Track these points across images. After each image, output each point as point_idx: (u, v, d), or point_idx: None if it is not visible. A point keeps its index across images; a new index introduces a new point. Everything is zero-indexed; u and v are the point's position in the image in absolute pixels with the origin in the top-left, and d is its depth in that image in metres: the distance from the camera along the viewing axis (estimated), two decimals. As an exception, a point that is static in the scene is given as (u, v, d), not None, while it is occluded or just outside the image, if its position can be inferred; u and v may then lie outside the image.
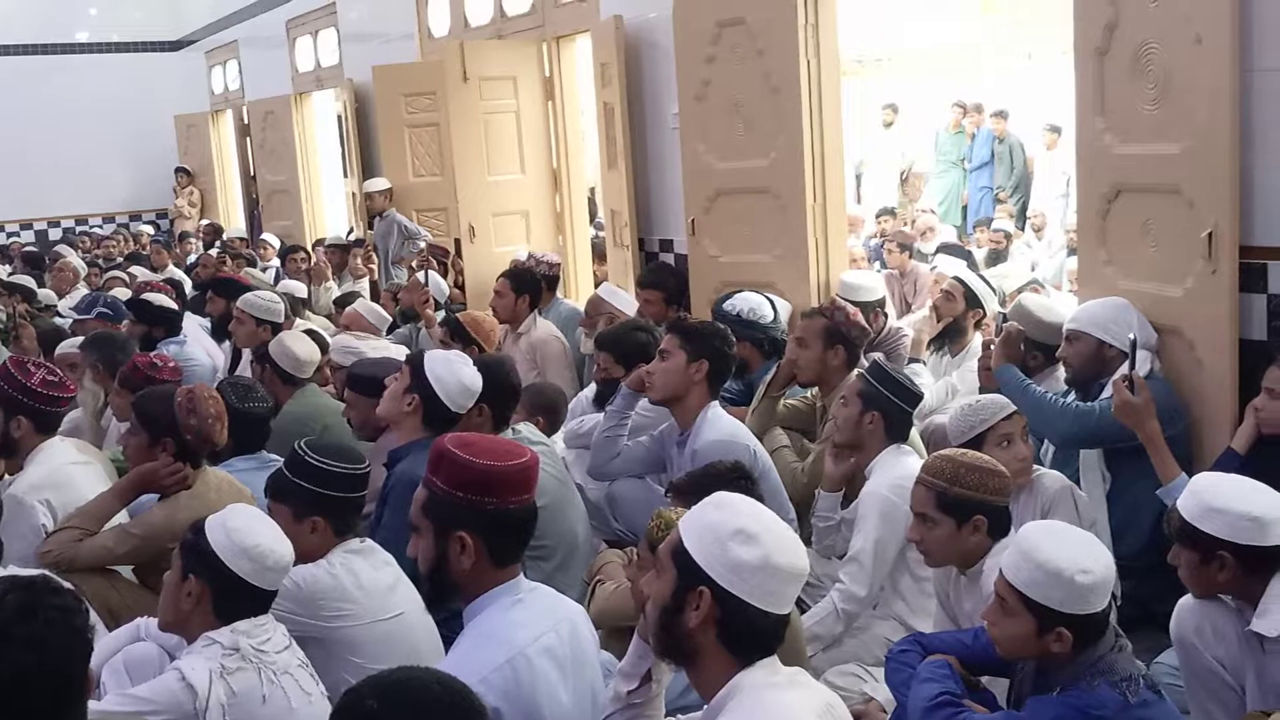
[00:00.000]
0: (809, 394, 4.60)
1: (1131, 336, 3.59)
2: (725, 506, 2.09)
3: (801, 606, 3.82)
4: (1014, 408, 3.62)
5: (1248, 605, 2.76)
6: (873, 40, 14.15)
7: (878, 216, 10.98)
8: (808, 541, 4.02)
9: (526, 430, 4.13)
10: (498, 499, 2.39)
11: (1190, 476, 3.51)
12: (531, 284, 6.12)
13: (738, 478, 3.14)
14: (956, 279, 5.27)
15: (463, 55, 7.55)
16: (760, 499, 3.19)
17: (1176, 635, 2.94)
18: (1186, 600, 2.94)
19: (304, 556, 2.88)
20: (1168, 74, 3.94)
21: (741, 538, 2.01)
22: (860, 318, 4.57)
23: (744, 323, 4.92)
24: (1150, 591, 3.60)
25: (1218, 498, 2.72)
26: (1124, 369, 3.67)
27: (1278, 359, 3.61)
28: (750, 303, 5.02)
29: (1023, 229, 10.98)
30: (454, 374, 3.61)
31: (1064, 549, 2.49)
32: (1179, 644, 2.95)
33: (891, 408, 3.69)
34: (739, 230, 5.90)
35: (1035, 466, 3.64)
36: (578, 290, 7.77)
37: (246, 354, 5.62)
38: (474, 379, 3.65)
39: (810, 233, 5.62)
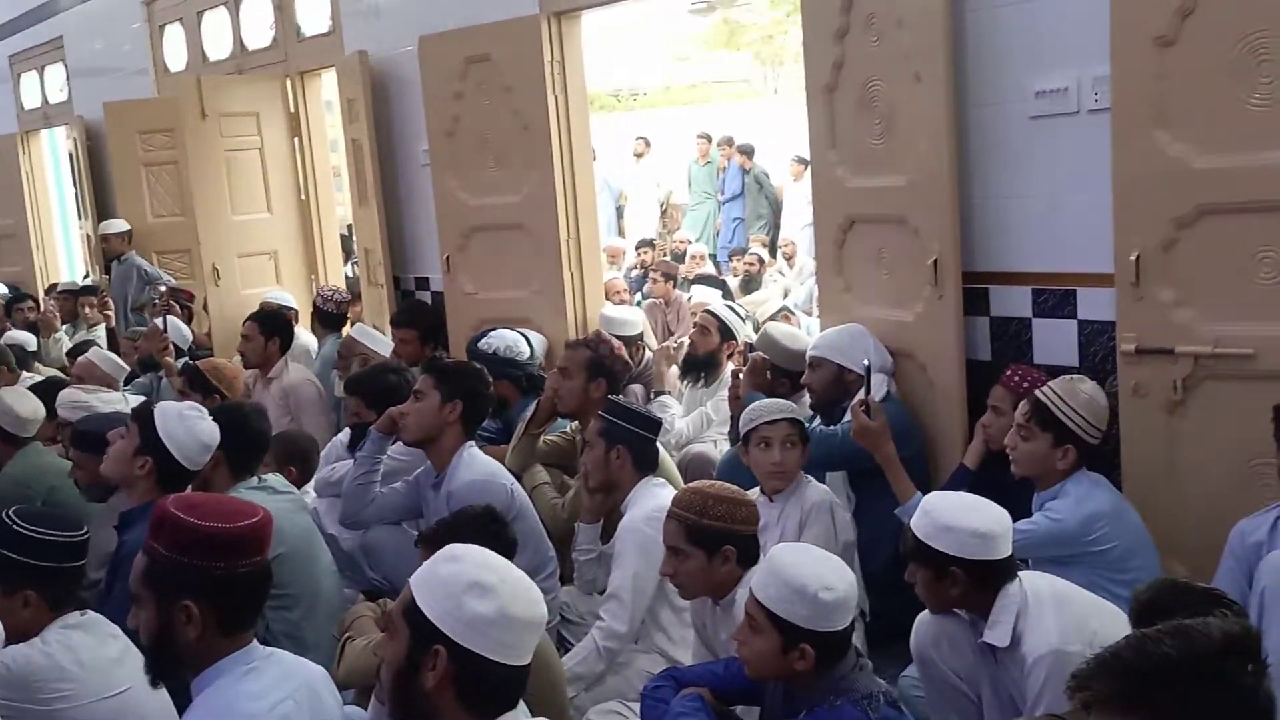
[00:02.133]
0: (569, 429, 4.59)
1: (865, 363, 3.73)
2: (459, 559, 2.02)
3: (564, 646, 3.79)
4: (781, 414, 3.70)
5: (980, 618, 2.88)
6: (628, 75, 14.42)
7: (638, 248, 11.14)
8: (572, 579, 4.03)
9: (274, 480, 3.94)
10: (226, 562, 2.25)
11: (927, 494, 3.68)
12: (281, 326, 5.89)
13: (489, 522, 3.07)
14: (709, 312, 5.38)
15: (200, 91, 7.24)
16: (514, 542, 3.17)
17: (916, 649, 3.05)
18: (924, 615, 3.05)
19: (16, 634, 2.66)
20: (892, 110, 4.14)
21: (477, 591, 1.95)
22: (624, 351, 4.60)
23: (501, 360, 4.87)
24: (898, 607, 3.72)
25: (947, 516, 2.83)
26: (861, 394, 3.81)
27: (1001, 378, 3.83)
28: (506, 340, 4.98)
29: (775, 257, 11.36)
30: (188, 430, 3.41)
31: (809, 567, 2.55)
32: (918, 658, 3.06)
33: (634, 439, 3.71)
34: (494, 266, 5.86)
35: (807, 477, 3.72)
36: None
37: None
38: (210, 433, 3.45)
39: (565, 267, 5.64)
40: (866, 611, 3.80)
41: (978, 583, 2.82)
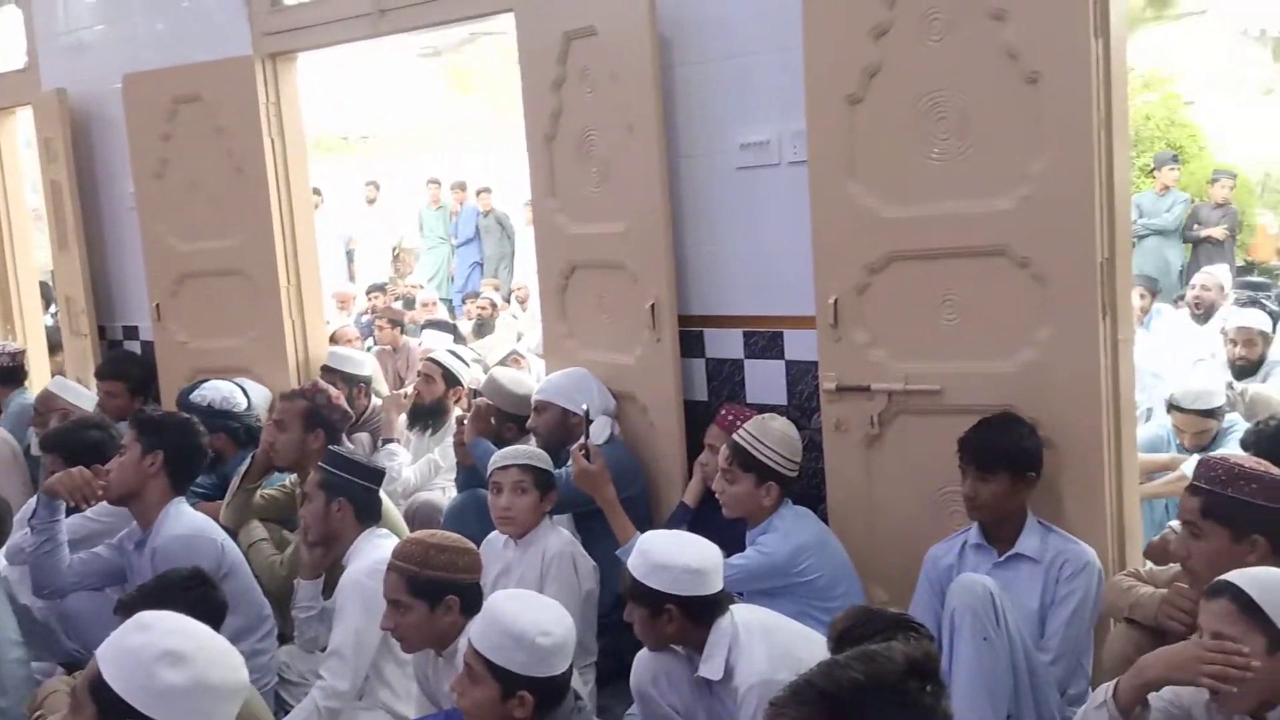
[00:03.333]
0: (287, 482, 4.43)
1: (584, 407, 3.79)
2: (148, 627, 1.92)
3: (283, 708, 3.65)
4: (512, 460, 3.70)
5: (695, 652, 2.96)
6: (355, 118, 14.20)
7: (368, 293, 10.95)
8: (291, 638, 3.88)
9: (-46, 549, 3.63)
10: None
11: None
12: (-32, 382, 5.44)
13: (196, 585, 2.93)
14: (432, 360, 5.34)
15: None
16: (224, 604, 3.03)
17: (635, 687, 3.11)
18: (643, 653, 3.11)
19: None
20: (608, 159, 4.25)
21: (169, 660, 1.85)
22: (343, 400, 4.48)
23: (215, 413, 4.66)
24: (625, 645, 3.78)
25: (660, 554, 2.90)
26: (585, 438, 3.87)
27: (716, 417, 3.97)
28: (221, 391, 4.77)
29: (509, 301, 11.40)
30: None
31: (526, 613, 2.56)
32: (638, 695, 3.11)
33: (356, 490, 3.64)
34: (209, 314, 5.62)
35: (553, 525, 3.74)
36: (32, 385, 7.00)
37: None
38: None
39: (286, 314, 5.47)
40: (594, 651, 3.84)
41: (692, 618, 2.91)
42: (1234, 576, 2.38)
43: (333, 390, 4.39)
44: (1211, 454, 2.98)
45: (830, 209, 3.72)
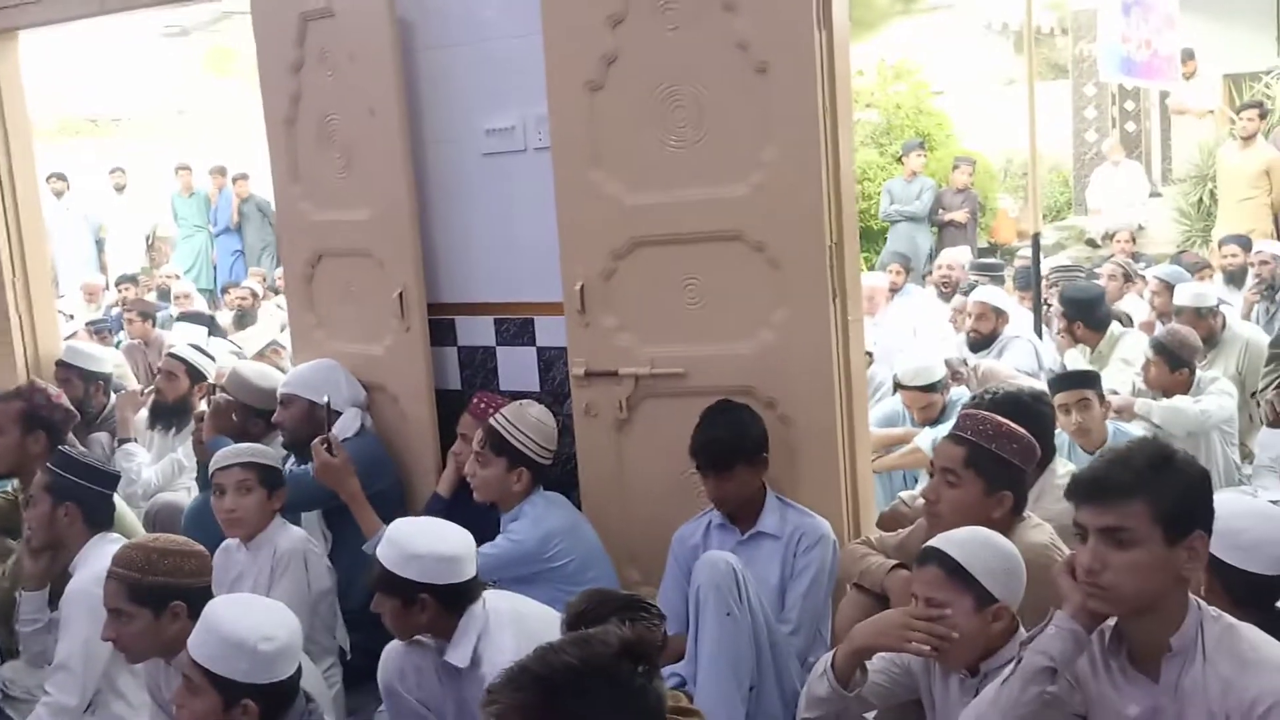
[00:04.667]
0: (9, 488, 4.16)
1: (325, 399, 3.69)
2: None
3: (9, 728, 3.44)
4: (233, 459, 3.56)
5: (445, 640, 2.92)
6: (105, 100, 13.43)
7: (118, 284, 10.39)
8: (15, 653, 3.65)
9: None
10: None
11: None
12: None
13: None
14: (173, 355, 5.11)
15: None
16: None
17: (383, 682, 3.05)
18: (391, 647, 3.06)
19: None
20: (350, 144, 4.14)
21: None
22: (65, 399, 4.23)
23: (-71, 416, 4.33)
24: (379, 642, 3.71)
25: (413, 543, 2.85)
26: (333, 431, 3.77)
27: (469, 406, 3.94)
28: (-66, 393, 4.42)
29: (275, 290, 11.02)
30: None
31: (246, 618, 2.47)
32: (385, 690, 3.06)
33: (86, 494, 3.45)
34: (-76, 311, 5.20)
35: (284, 523, 3.60)
36: None
37: None
38: None
39: (11, 308, 5.12)
40: (347, 650, 3.76)
41: (445, 606, 2.87)
42: (939, 542, 2.52)
43: (52, 389, 4.14)
44: (978, 410, 3.13)
45: (574, 195, 3.74)
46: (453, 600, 2.88)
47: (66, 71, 13.40)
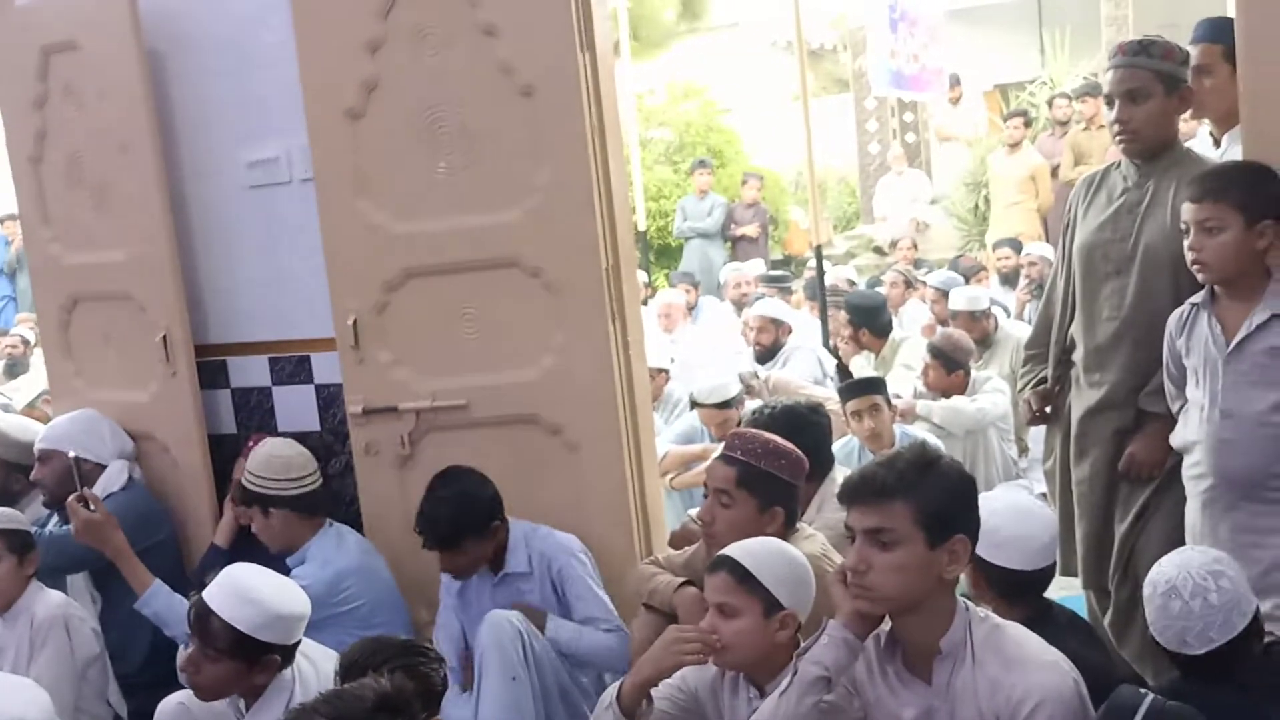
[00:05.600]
0: None
1: (71, 454, 3.49)
2: None
3: None
4: None
5: (249, 701, 2.75)
6: None
7: None
8: None
9: None
10: None
11: (179, 579, 3.53)
12: None
13: None
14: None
15: None
16: None
17: None
18: (167, 701, 2.89)
19: None
20: (103, 182, 3.92)
21: None
22: None
23: None
24: (156, 706, 3.51)
25: (276, 602, 2.70)
26: (93, 487, 3.55)
27: (244, 449, 3.78)
28: None
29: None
30: None
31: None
32: None
33: None
34: None
35: (41, 590, 3.38)
36: None
37: None
38: None
39: None
40: (124, 716, 3.54)
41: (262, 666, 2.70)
42: (732, 550, 2.53)
43: None
44: (743, 428, 3.16)
45: (341, 227, 3.63)
46: (286, 660, 2.73)
47: None
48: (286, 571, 3.41)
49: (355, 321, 3.65)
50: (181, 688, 3.02)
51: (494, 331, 3.60)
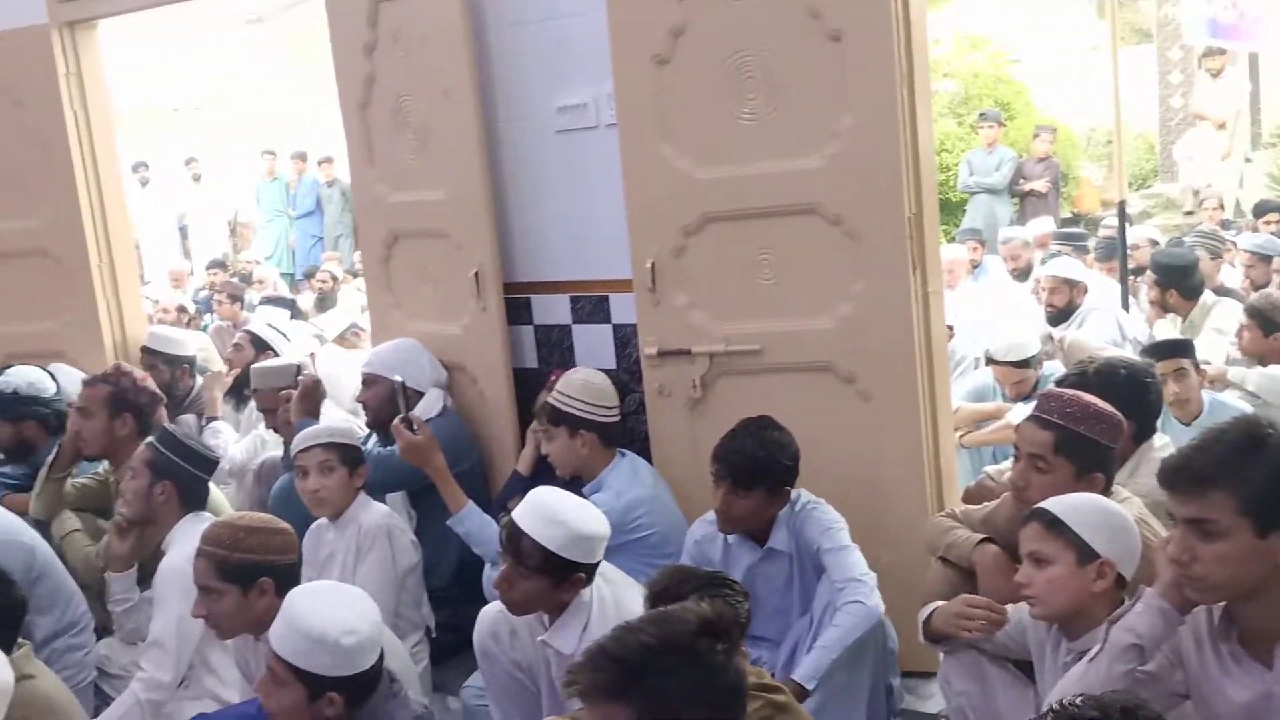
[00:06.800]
0: (100, 469, 4.26)
1: (398, 379, 3.71)
2: None
3: (105, 701, 3.52)
4: (313, 440, 3.59)
5: (550, 615, 2.90)
6: (184, 89, 13.67)
7: (208, 269, 10.63)
8: (110, 631, 3.74)
9: None
10: None
11: (485, 503, 3.73)
12: None
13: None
14: (247, 331, 5.20)
15: None
16: (22, 600, 2.90)
17: (478, 643, 3.07)
18: (487, 609, 3.08)
19: None
20: (425, 125, 4.15)
21: None
22: (151, 383, 4.32)
23: (22, 399, 4.45)
24: (465, 619, 3.74)
25: (581, 522, 2.80)
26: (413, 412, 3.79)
27: (545, 384, 3.95)
28: (27, 377, 4.53)
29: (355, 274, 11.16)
30: None
31: (327, 612, 2.48)
32: (480, 651, 3.08)
33: (184, 476, 3.53)
34: (16, 297, 5.32)
35: (367, 500, 3.63)
36: None
37: None
38: None
39: (99, 294, 5.23)
40: (432, 627, 3.78)
41: (566, 582, 2.82)
42: (1046, 501, 2.48)
43: (138, 372, 4.22)
44: (1061, 389, 3.03)
45: (642, 171, 3.71)
46: (588, 578, 2.85)
47: (146, 61, 13.66)
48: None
49: (653, 265, 3.74)
50: (484, 603, 3.22)
51: (790, 278, 3.61)
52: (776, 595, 3.25)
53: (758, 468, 3.14)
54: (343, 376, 5.18)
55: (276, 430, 4.44)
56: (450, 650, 3.80)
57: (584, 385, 3.62)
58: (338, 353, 6.57)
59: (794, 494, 3.23)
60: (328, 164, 12.70)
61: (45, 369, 4.65)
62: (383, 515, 3.60)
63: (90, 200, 5.16)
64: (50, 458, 4.11)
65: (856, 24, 3.37)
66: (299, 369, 4.45)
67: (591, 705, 1.80)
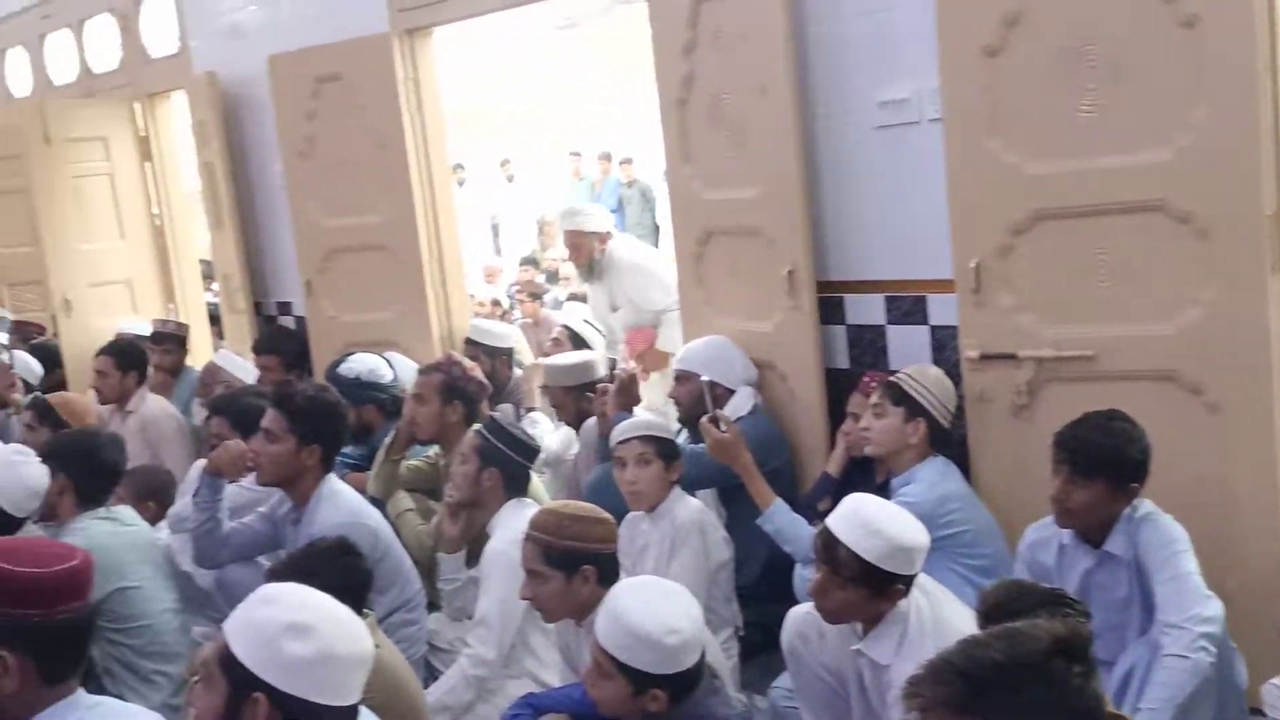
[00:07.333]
0: (431, 453, 4.51)
1: (705, 378, 3.73)
2: (274, 601, 1.95)
3: (434, 674, 3.72)
4: (632, 433, 3.68)
5: (865, 625, 2.83)
6: (497, 93, 14.34)
7: (521, 265, 11.13)
8: (438, 606, 3.95)
9: (123, 513, 3.82)
10: (45, 609, 2.14)
11: (793, 502, 3.70)
12: (137, 358, 5.69)
13: (341, 555, 2.98)
14: (565, 327, 5.37)
15: (44, 116, 6.96)
16: (368, 574, 3.08)
17: (786, 644, 3.05)
18: (796, 610, 3.05)
19: None
20: (741, 122, 4.16)
21: (294, 632, 1.88)
22: (479, 372, 4.53)
23: (363, 385, 4.79)
24: (772, 618, 3.72)
25: (899, 533, 2.73)
26: (723, 410, 3.81)
27: (859, 385, 3.88)
28: (367, 364, 4.88)
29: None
30: (14, 477, 3.30)
31: (651, 610, 2.51)
32: (789, 652, 3.05)
33: (509, 463, 3.68)
34: (357, 289, 5.75)
35: (682, 496, 3.69)
36: (195, 359, 7.30)
37: None
38: (38, 477, 3.35)
39: (429, 287, 5.56)
40: (740, 626, 3.79)
41: (880, 592, 2.75)
42: None
43: (467, 362, 4.44)
44: None
45: (968, 167, 3.57)
46: (906, 589, 2.77)
47: (463, 65, 14.38)
48: (889, 495, 3.49)
49: (977, 265, 3.60)
50: (792, 603, 3.19)
51: (1131, 280, 3.38)
52: (1114, 610, 3.03)
53: (1101, 455, 2.93)
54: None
55: (568, 424, 4.57)
56: (757, 649, 3.79)
57: (938, 380, 3.59)
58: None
59: (1136, 501, 3.01)
60: (628, 164, 13.03)
61: (383, 356, 4.97)
62: (696, 510, 3.64)
63: (423, 199, 5.49)
64: (387, 440, 4.38)
65: (1214, 8, 3.12)
66: (614, 364, 4.56)
67: (933, 721, 1.74)
